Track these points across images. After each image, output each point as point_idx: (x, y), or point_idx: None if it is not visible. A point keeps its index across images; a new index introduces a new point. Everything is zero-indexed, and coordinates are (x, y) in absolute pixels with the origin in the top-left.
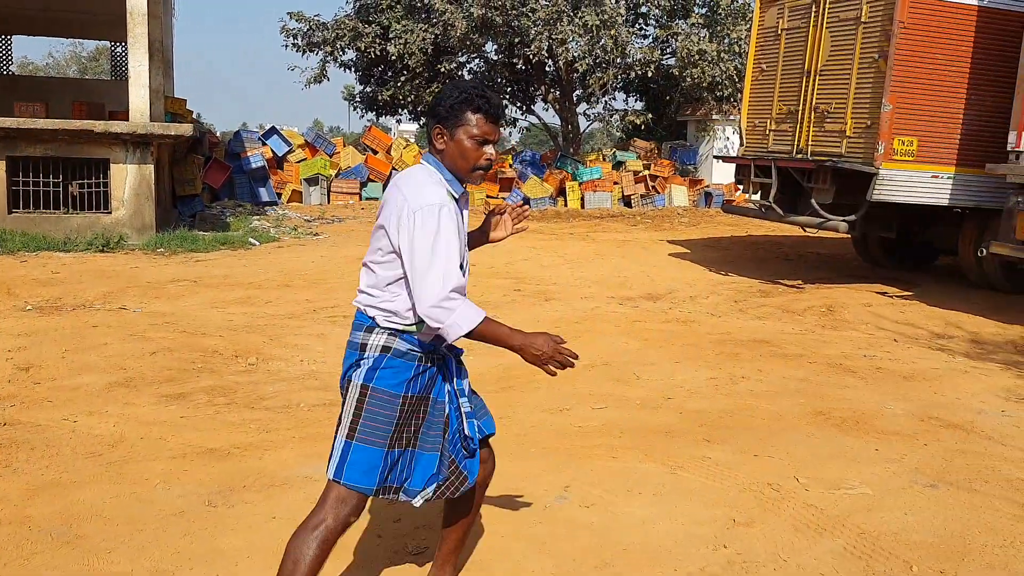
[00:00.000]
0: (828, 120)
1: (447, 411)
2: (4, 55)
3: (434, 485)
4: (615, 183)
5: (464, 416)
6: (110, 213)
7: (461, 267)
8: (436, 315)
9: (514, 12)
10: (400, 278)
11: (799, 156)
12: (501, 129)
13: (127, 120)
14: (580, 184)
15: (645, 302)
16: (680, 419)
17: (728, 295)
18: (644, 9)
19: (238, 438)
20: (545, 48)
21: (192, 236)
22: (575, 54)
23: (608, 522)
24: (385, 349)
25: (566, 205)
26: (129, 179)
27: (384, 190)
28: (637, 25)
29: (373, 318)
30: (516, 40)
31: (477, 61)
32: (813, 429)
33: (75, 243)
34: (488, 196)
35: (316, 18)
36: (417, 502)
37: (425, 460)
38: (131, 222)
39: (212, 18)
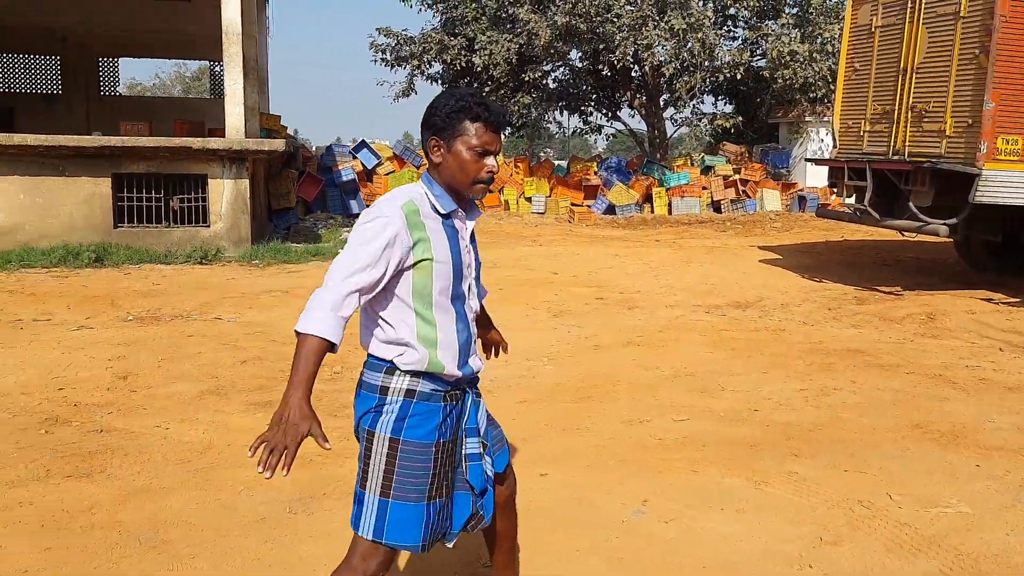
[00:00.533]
0: (926, 120)
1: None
2: (112, 77)
3: (471, 522)
4: (704, 188)
5: (467, 460)
6: (208, 227)
7: (458, 285)
8: (311, 297)
9: (599, 19)
10: (393, 306)
11: (895, 157)
12: (503, 138)
13: (224, 137)
14: (667, 190)
15: (733, 310)
16: (766, 432)
17: (821, 302)
18: (732, 11)
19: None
20: (630, 54)
21: (285, 248)
22: (661, 58)
23: (687, 538)
24: (409, 393)
25: (653, 211)
26: (226, 194)
27: None
28: (726, 27)
29: (392, 360)
30: (601, 47)
31: (562, 69)
32: (909, 443)
33: (175, 256)
34: (573, 204)
35: (404, 33)
36: (450, 543)
37: (460, 500)
38: (228, 235)
39: (309, 36)
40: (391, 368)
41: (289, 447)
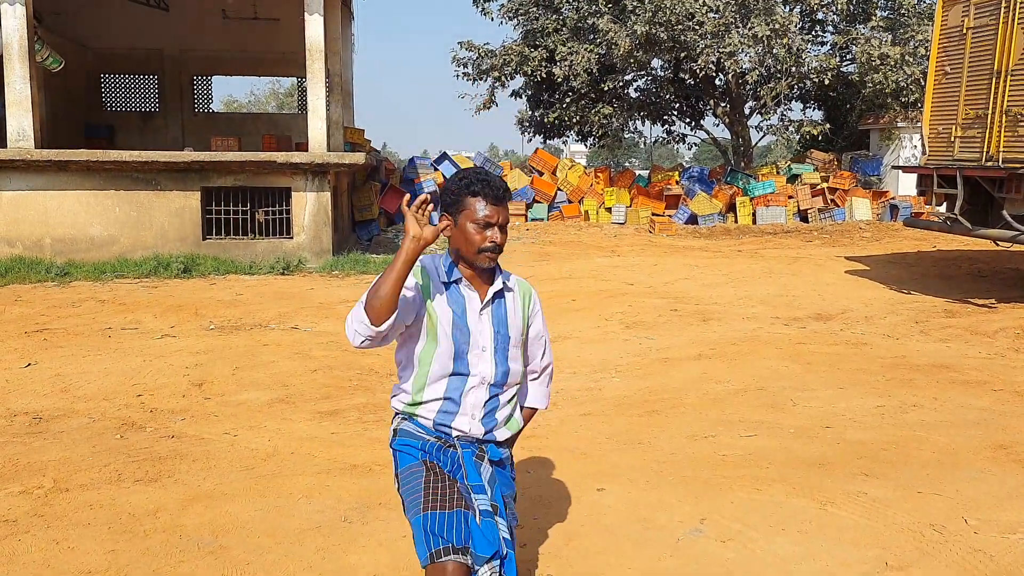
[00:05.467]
0: (1022, 124)
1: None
2: (205, 95)
3: (498, 561)
4: (790, 197)
5: (480, 516)
6: (291, 238)
7: (461, 353)
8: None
9: (680, 27)
10: (404, 350)
11: (989, 164)
12: (507, 209)
13: (307, 151)
14: (751, 199)
15: (813, 323)
16: (837, 450)
17: (908, 315)
18: (820, 15)
19: (381, 455)
20: (713, 61)
21: (364, 259)
22: (745, 66)
23: (745, 559)
24: (395, 432)
25: (736, 221)
26: (308, 206)
27: (548, 211)
28: (813, 32)
29: (393, 406)
30: (683, 55)
31: (644, 79)
32: (990, 465)
33: (259, 267)
34: (654, 214)
35: (485, 46)
36: (483, 572)
37: (484, 525)
38: (310, 246)
39: (396, 50)
40: (394, 411)
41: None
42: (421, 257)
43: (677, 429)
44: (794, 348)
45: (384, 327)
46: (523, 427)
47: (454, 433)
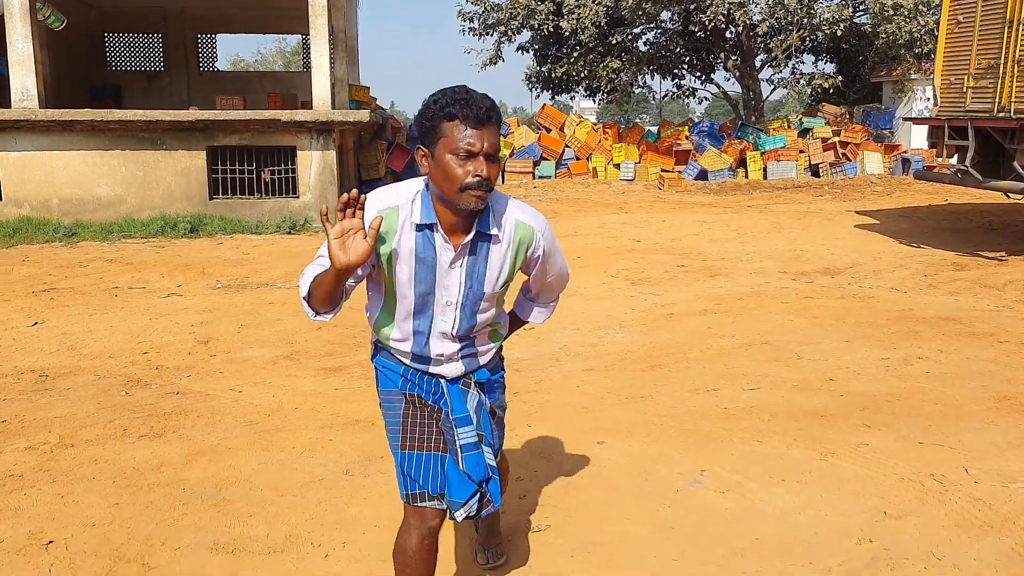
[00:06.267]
0: None
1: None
2: (210, 53)
3: (477, 500)
4: (801, 152)
5: (462, 451)
6: (297, 197)
7: (421, 308)
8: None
9: None
10: (371, 282)
11: (1001, 115)
12: (497, 134)
13: (312, 109)
14: (762, 154)
15: (821, 277)
16: (840, 402)
17: (917, 269)
18: None
19: None
20: (723, 13)
21: None
22: (755, 17)
23: (743, 510)
24: (375, 347)
25: (747, 176)
26: (314, 165)
27: (556, 169)
28: None
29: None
30: (692, 6)
31: (653, 31)
32: (993, 416)
33: (266, 226)
34: (663, 170)
35: (491, 0)
36: (460, 516)
37: (469, 459)
38: (316, 205)
39: (404, 8)
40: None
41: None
42: (393, 196)
43: (680, 383)
44: (800, 302)
45: (329, 316)
46: (507, 336)
47: (434, 375)
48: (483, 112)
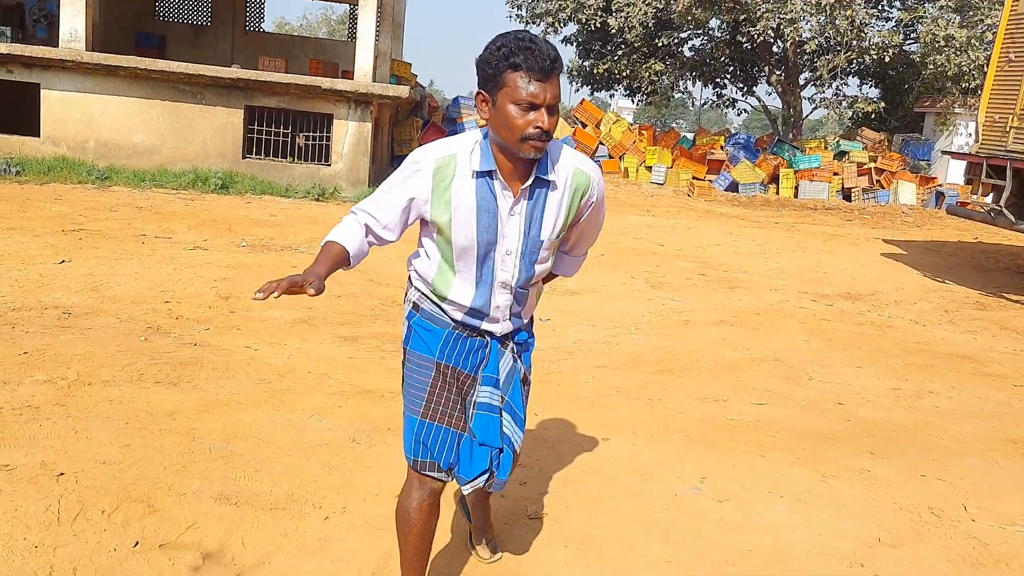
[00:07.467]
0: None
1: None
2: (257, 13)
3: (485, 476)
4: (835, 174)
5: (475, 408)
6: (329, 166)
7: (483, 256)
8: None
9: None
10: (425, 237)
11: None
12: (558, 84)
13: (352, 79)
14: (796, 172)
15: (841, 301)
16: (846, 427)
17: (938, 303)
18: None
19: (394, 383)
20: (773, 27)
21: None
22: (805, 34)
23: (740, 520)
24: (415, 306)
25: (778, 193)
26: (348, 135)
27: None
28: (879, 7)
29: (410, 273)
30: (742, 17)
31: (700, 38)
32: (999, 457)
33: (295, 190)
34: (694, 177)
35: None
36: (466, 490)
37: (477, 450)
38: (347, 175)
39: None
40: (410, 281)
41: (282, 282)
42: (448, 147)
43: (689, 390)
44: (817, 323)
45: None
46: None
47: (483, 332)
48: (548, 64)
